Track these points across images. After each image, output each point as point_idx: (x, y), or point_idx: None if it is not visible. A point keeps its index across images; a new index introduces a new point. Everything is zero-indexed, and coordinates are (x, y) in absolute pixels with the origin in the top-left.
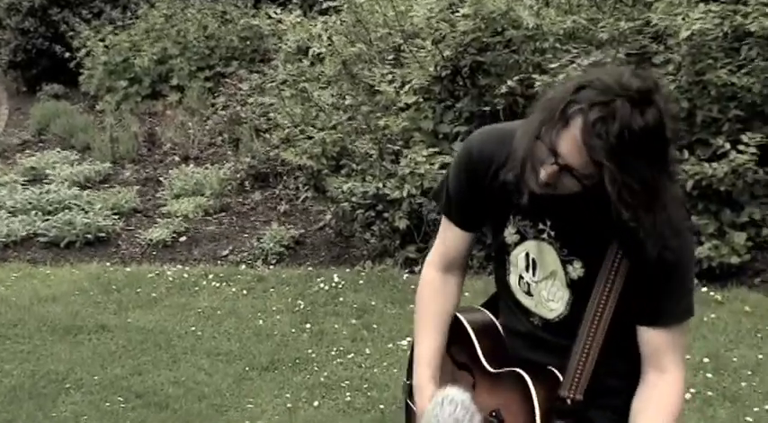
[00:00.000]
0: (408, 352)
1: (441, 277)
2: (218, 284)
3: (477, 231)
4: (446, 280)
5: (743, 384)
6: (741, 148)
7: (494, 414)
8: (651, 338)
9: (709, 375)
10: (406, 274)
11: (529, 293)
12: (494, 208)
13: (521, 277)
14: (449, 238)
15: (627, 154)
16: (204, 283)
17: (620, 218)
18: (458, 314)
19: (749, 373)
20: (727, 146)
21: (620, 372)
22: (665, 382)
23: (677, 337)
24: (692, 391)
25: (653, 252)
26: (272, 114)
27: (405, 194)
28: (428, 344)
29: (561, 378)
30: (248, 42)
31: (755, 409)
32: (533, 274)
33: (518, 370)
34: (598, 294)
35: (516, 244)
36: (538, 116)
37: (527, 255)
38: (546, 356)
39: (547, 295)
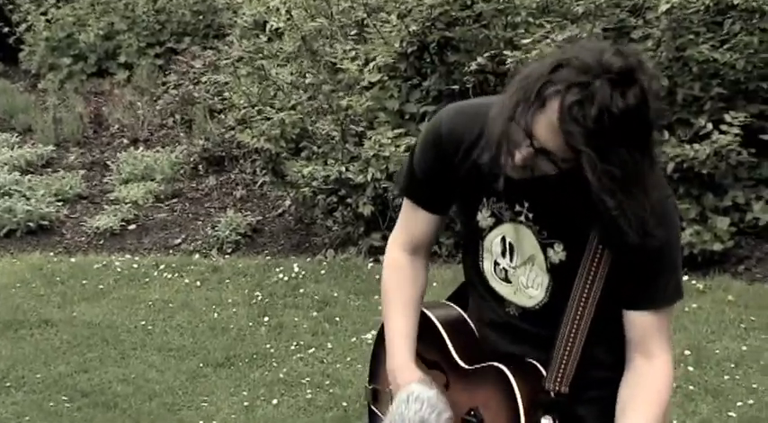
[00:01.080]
0: (372, 348)
1: (408, 260)
2: (169, 275)
3: (443, 214)
4: (413, 263)
5: (726, 378)
6: (724, 128)
7: (472, 413)
8: (638, 323)
9: (691, 368)
10: (371, 264)
11: (506, 280)
12: (465, 190)
13: (496, 263)
14: (414, 221)
15: (606, 139)
16: (155, 274)
17: (602, 204)
18: (424, 310)
19: (732, 366)
20: (710, 126)
21: (606, 362)
22: (653, 367)
23: (664, 320)
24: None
25: (635, 239)
26: (227, 94)
27: (369, 179)
28: (403, 323)
29: (544, 371)
30: (201, 17)
31: (739, 404)
32: (511, 260)
33: (497, 364)
34: (582, 278)
35: (491, 228)
36: (512, 96)
37: (503, 239)
38: (525, 348)
39: (526, 281)
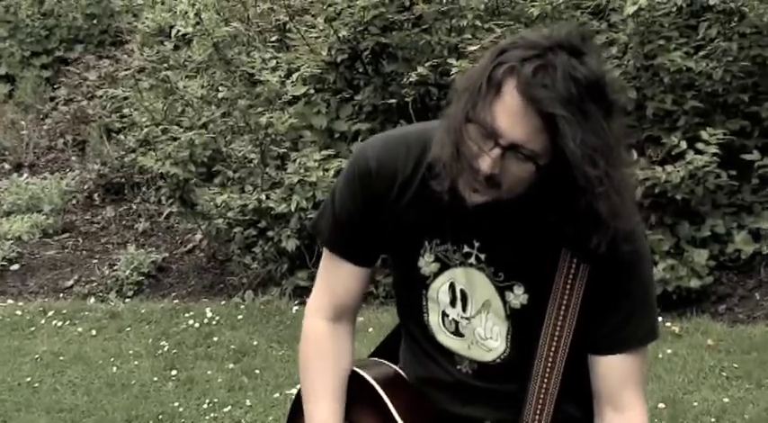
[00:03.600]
0: (287, 418)
1: (331, 329)
2: (60, 323)
3: (372, 266)
4: (337, 332)
5: None
6: (700, 147)
7: None
8: (608, 369)
9: None
10: (296, 307)
11: (457, 333)
12: (401, 234)
13: (444, 315)
14: (338, 279)
15: (578, 102)
16: (42, 321)
17: (575, 192)
18: (358, 370)
19: (713, 420)
20: (684, 145)
21: (576, 416)
22: (625, 422)
23: (637, 366)
24: None
25: (605, 238)
26: (126, 110)
27: (293, 208)
28: (327, 411)
29: None
30: (96, 21)
31: None
32: (463, 309)
33: None
34: (550, 324)
35: (436, 275)
36: (459, 100)
37: (452, 286)
38: (483, 410)
39: (483, 333)
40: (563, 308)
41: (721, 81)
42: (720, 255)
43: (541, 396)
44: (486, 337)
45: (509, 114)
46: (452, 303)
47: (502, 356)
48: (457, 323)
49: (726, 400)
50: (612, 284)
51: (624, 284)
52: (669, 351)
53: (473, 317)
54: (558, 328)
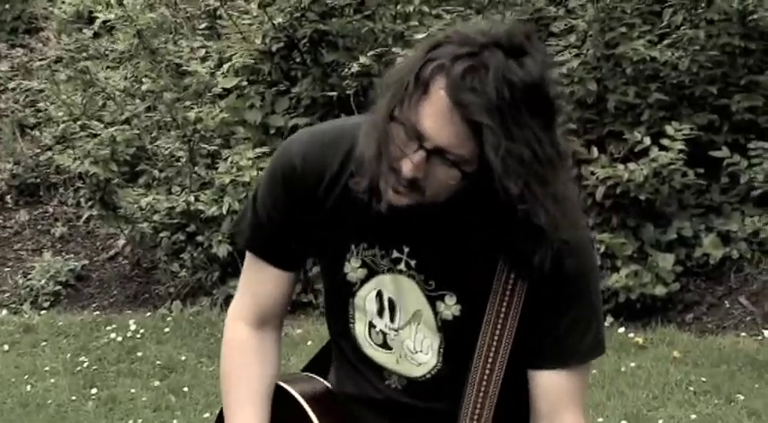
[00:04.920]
0: None
1: (254, 335)
2: None
3: (297, 270)
4: (262, 339)
5: None
6: (665, 143)
7: None
8: (548, 387)
9: None
10: None
11: (385, 346)
12: (327, 236)
13: (372, 325)
14: (260, 283)
15: (509, 113)
16: None
17: (508, 202)
18: (283, 385)
19: None
20: (648, 141)
21: None
22: None
23: (578, 383)
24: None
25: (547, 254)
26: (42, 104)
27: (225, 211)
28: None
29: None
30: (8, 5)
31: None
32: (391, 320)
33: None
34: (487, 335)
35: (363, 281)
36: (384, 96)
37: (379, 294)
38: None
39: (413, 346)
40: (500, 320)
41: (688, 72)
42: (687, 259)
43: (475, 416)
44: (416, 351)
45: (435, 116)
46: (380, 313)
47: (432, 372)
48: (385, 335)
49: (693, 416)
50: (555, 295)
51: (568, 295)
52: (632, 364)
53: (401, 328)
54: (494, 342)
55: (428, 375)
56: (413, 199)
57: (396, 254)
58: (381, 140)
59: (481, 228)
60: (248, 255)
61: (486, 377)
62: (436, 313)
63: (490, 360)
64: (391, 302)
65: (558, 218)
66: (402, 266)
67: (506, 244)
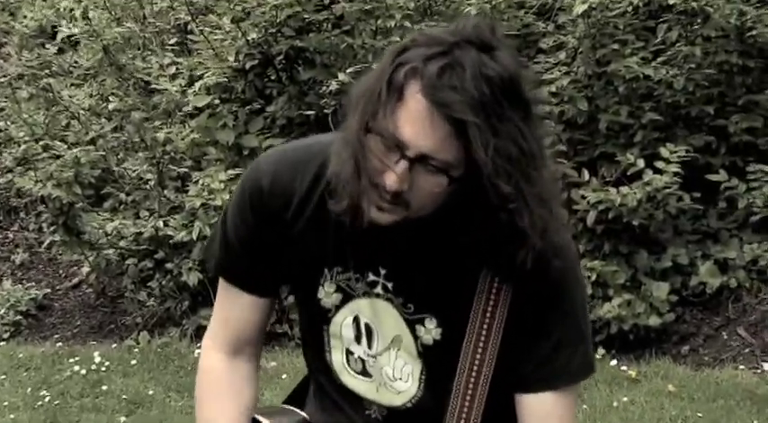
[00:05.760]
0: None
1: (228, 363)
2: None
3: (272, 296)
4: (236, 367)
5: None
6: (660, 165)
7: None
8: (535, 411)
9: None
10: (199, 350)
11: (364, 373)
12: (299, 260)
13: (349, 352)
14: (233, 309)
15: (492, 105)
16: None
17: (494, 204)
18: (259, 418)
19: None
20: (641, 163)
21: None
22: None
23: (570, 407)
24: None
25: (529, 254)
26: (1, 123)
27: (195, 236)
28: None
29: None
30: None
31: None
32: (369, 346)
33: None
34: (467, 361)
35: (338, 307)
36: (356, 111)
37: (356, 319)
38: None
39: (392, 373)
40: (481, 341)
41: (683, 91)
42: (683, 288)
43: None
44: (396, 378)
45: (414, 122)
46: (357, 339)
47: (413, 400)
48: (363, 362)
49: None
50: (539, 308)
51: (553, 308)
52: (625, 399)
53: (380, 354)
54: (475, 365)
55: (409, 404)
56: (398, 214)
57: (372, 276)
58: (358, 156)
59: (463, 235)
60: (221, 280)
61: (467, 403)
62: (416, 338)
63: (472, 385)
64: (368, 328)
65: (544, 219)
66: (379, 290)
67: (489, 249)
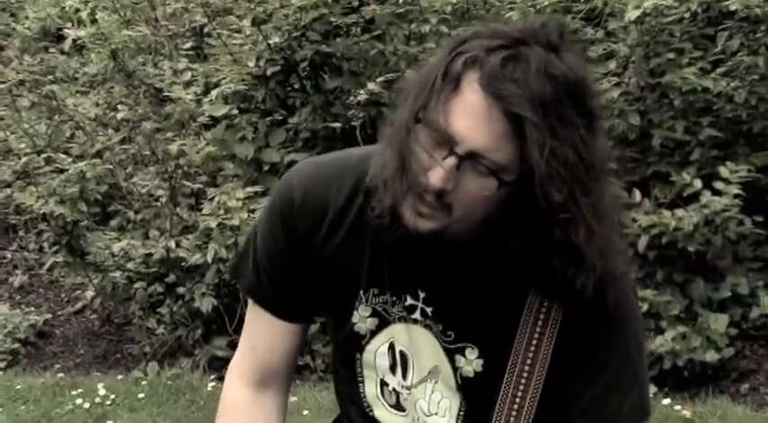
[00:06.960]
0: None
1: (251, 396)
2: None
3: (305, 322)
4: (259, 400)
5: None
6: (719, 186)
7: None
8: None
9: None
10: (213, 382)
11: (398, 407)
12: (332, 281)
13: (383, 384)
14: (261, 335)
15: (554, 105)
16: None
17: (547, 215)
18: None
19: None
20: (699, 184)
21: None
22: None
23: None
24: None
25: (589, 278)
26: (1, 134)
27: (210, 259)
28: None
29: None
30: None
31: None
32: (404, 377)
33: None
34: (508, 398)
35: (373, 333)
36: (407, 102)
37: (391, 347)
38: None
39: (427, 407)
40: (524, 374)
41: (745, 104)
42: (743, 321)
43: None
44: (431, 413)
45: (469, 115)
46: (392, 369)
47: None
48: (398, 394)
49: None
50: (590, 343)
51: (607, 344)
52: None
53: (414, 386)
54: (516, 403)
55: None
56: (439, 221)
57: (410, 300)
58: (404, 150)
59: (512, 255)
60: (250, 302)
61: None
62: (455, 369)
63: (512, 422)
64: (404, 356)
65: (601, 237)
66: (417, 315)
67: (542, 271)
